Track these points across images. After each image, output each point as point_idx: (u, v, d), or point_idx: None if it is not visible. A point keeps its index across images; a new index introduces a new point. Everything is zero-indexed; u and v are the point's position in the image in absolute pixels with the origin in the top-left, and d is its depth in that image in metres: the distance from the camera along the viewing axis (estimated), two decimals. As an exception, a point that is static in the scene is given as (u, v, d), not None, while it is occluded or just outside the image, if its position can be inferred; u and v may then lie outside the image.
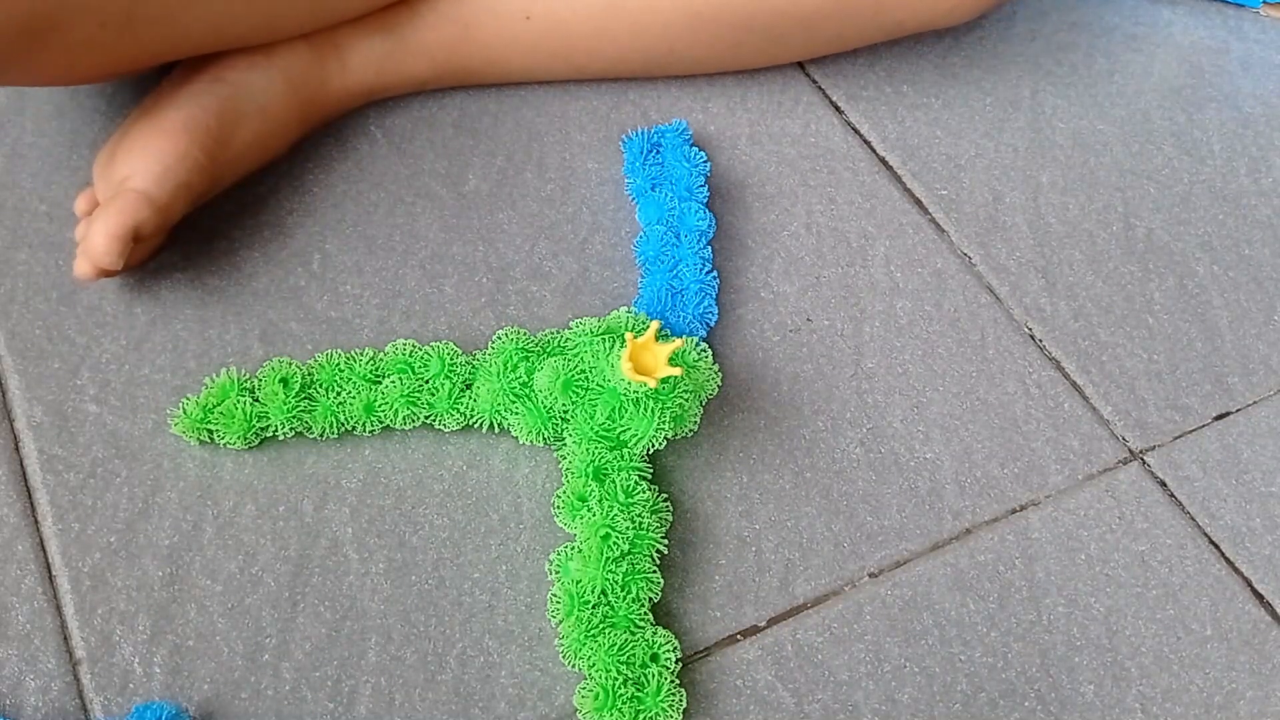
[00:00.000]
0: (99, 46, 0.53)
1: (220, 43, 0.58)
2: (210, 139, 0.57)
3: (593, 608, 0.49)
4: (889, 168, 0.67)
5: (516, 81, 0.68)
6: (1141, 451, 0.58)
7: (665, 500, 0.53)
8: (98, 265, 0.53)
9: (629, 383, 0.50)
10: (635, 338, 0.51)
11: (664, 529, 0.52)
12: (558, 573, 0.51)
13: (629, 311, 0.56)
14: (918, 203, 0.66)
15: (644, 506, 0.51)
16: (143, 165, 0.55)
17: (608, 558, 0.49)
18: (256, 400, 0.54)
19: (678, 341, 0.51)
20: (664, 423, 0.51)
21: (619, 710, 0.47)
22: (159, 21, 0.54)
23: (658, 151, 0.63)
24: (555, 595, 0.50)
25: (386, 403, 0.53)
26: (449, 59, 0.65)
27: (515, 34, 0.64)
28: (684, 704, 0.48)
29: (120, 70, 0.57)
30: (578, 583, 0.49)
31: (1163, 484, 0.57)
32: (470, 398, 0.54)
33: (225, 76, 0.58)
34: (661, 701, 0.47)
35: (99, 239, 0.52)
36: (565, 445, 0.53)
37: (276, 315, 0.58)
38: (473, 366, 0.55)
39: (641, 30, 0.64)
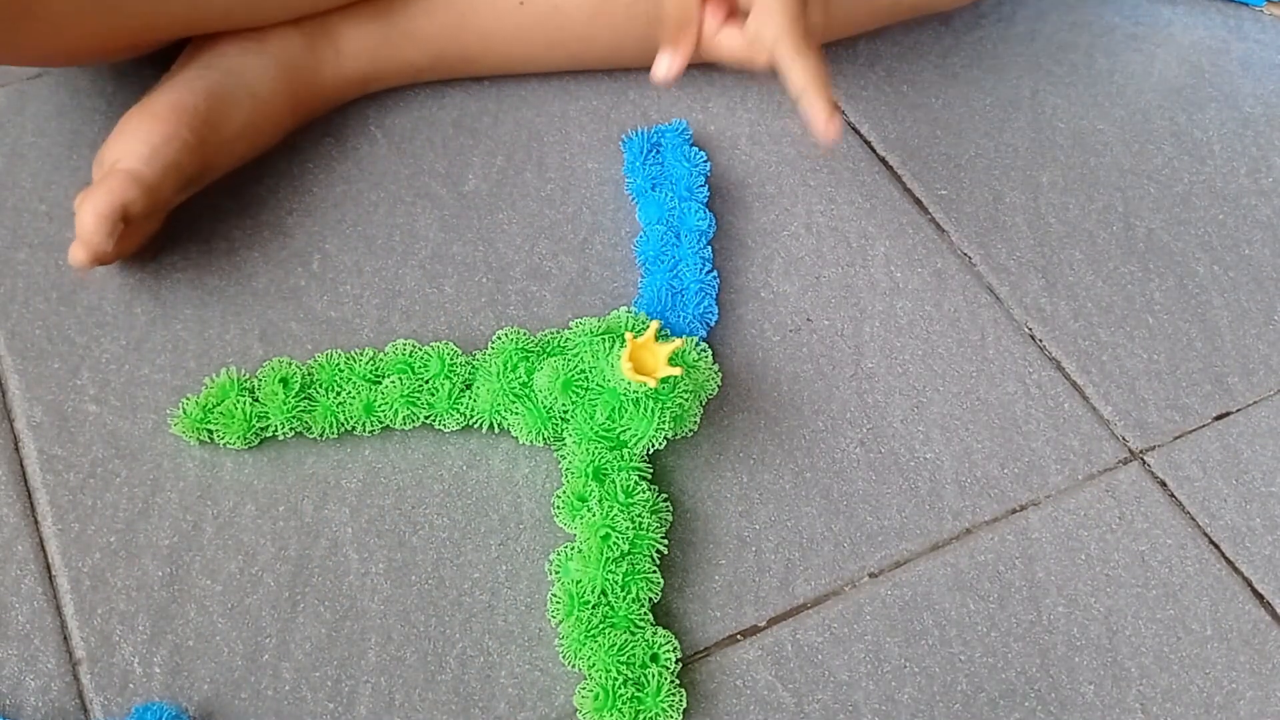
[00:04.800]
0: (83, 18, 0.53)
1: (205, 19, 0.58)
2: (199, 120, 0.57)
3: (593, 608, 0.49)
4: (889, 168, 0.67)
5: (512, 71, 0.68)
6: (1141, 451, 0.58)
7: (665, 500, 0.53)
8: (88, 245, 0.52)
9: (629, 383, 0.50)
10: (635, 338, 0.51)
11: (664, 529, 0.52)
12: (558, 573, 0.51)
13: (629, 311, 0.56)
14: (918, 203, 0.66)
15: (644, 506, 0.51)
16: (131, 147, 0.55)
17: (608, 558, 0.49)
18: (256, 400, 0.54)
19: (678, 341, 0.51)
20: (664, 423, 0.51)
21: (619, 710, 0.47)
22: None
23: (658, 151, 0.63)
24: (555, 595, 0.50)
25: (386, 403, 0.53)
26: (443, 46, 0.65)
27: (510, 20, 0.64)
28: (684, 704, 0.48)
29: (107, 49, 0.57)
30: (578, 583, 0.49)
31: (1163, 484, 0.57)
32: (470, 398, 0.54)
33: (216, 63, 0.59)
34: (661, 701, 0.47)
35: (88, 219, 0.52)
36: (565, 445, 0.53)
37: (276, 315, 0.58)
38: (473, 366, 0.55)
39: (636, 15, 0.64)
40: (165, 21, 0.58)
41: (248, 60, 0.59)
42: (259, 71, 0.60)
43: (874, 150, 0.68)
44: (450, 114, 0.67)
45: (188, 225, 0.60)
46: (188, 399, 0.54)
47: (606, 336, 0.53)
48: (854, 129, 0.69)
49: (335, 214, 0.62)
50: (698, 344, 0.56)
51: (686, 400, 0.53)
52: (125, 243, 0.55)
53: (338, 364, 0.55)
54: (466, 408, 0.54)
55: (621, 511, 0.50)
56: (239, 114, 0.59)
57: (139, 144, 0.55)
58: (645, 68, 0.69)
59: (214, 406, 0.53)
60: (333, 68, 0.63)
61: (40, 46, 0.54)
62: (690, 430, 0.54)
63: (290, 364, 0.55)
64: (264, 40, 0.60)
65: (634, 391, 0.51)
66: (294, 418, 0.53)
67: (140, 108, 0.57)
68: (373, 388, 0.54)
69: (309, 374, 0.54)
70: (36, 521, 0.52)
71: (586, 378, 0.52)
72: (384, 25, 0.63)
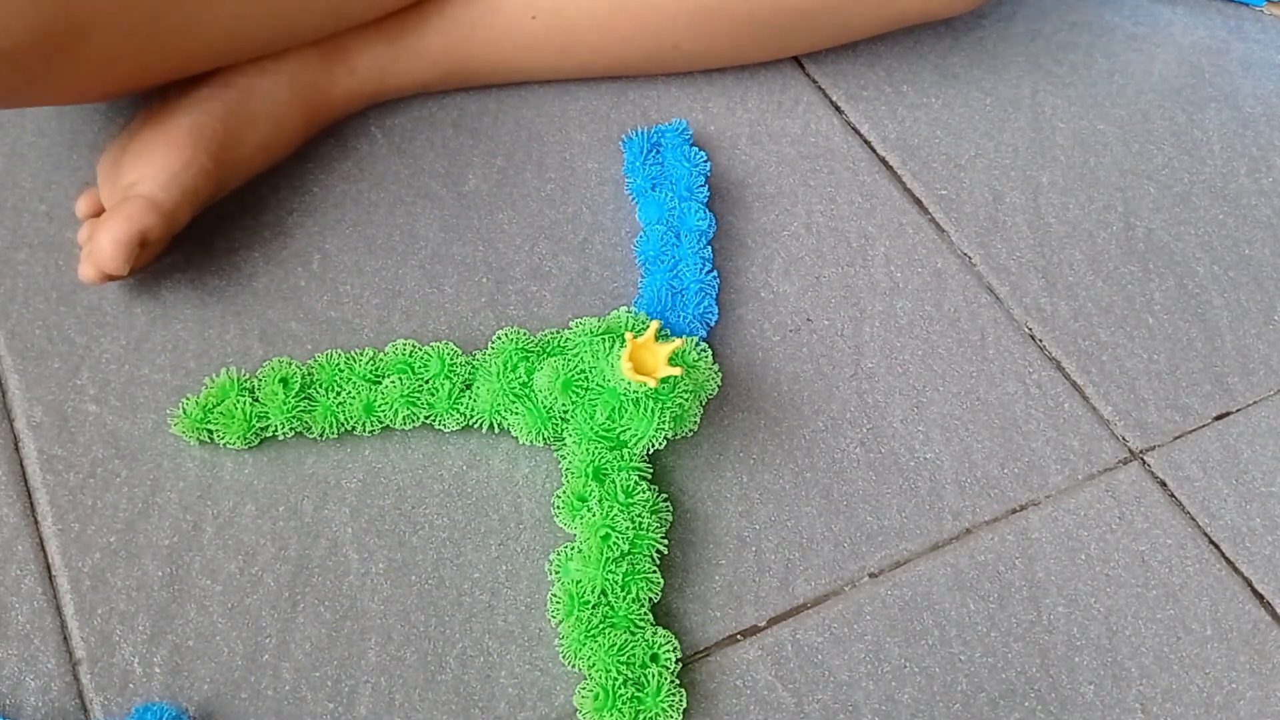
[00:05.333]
0: (125, 57, 0.53)
1: (238, 52, 0.58)
2: (217, 145, 0.57)
3: (593, 608, 0.49)
4: (889, 168, 0.67)
5: (521, 81, 0.68)
6: (1141, 451, 0.58)
7: (665, 500, 0.53)
8: (104, 271, 0.53)
9: (629, 383, 0.50)
10: (635, 338, 0.51)
11: (664, 529, 0.52)
12: (558, 573, 0.51)
13: (629, 311, 0.56)
14: (918, 203, 0.66)
15: (644, 506, 0.51)
16: (150, 172, 0.55)
17: (608, 558, 0.49)
18: (256, 400, 0.54)
19: (678, 341, 0.51)
20: (664, 423, 0.51)
21: (619, 710, 0.47)
22: (181, 30, 0.54)
23: (658, 151, 0.63)
24: (555, 595, 0.50)
25: (386, 403, 0.53)
26: (455, 61, 0.65)
27: (520, 33, 0.64)
28: (684, 704, 0.48)
29: (143, 83, 0.57)
30: (578, 583, 0.49)
31: (1163, 484, 0.57)
32: (470, 398, 0.54)
33: (233, 82, 0.59)
34: (661, 701, 0.47)
35: (106, 246, 0.52)
36: (565, 445, 0.53)
37: (276, 315, 0.58)
38: (473, 366, 0.55)
39: (645, 26, 0.64)
40: (202, 57, 0.57)
41: (264, 81, 0.59)
42: (274, 91, 0.59)
43: (874, 150, 0.68)
44: (450, 114, 0.67)
45: (188, 226, 0.60)
46: (188, 399, 0.54)
47: (606, 336, 0.53)
48: (854, 129, 0.69)
49: (335, 214, 0.62)
50: (698, 344, 0.56)
51: (686, 400, 0.53)
52: (137, 262, 0.55)
53: (338, 364, 0.55)
54: (466, 408, 0.54)
55: (621, 511, 0.50)
56: (255, 135, 0.59)
57: (157, 169, 0.55)
58: (652, 75, 0.69)
59: (214, 406, 0.53)
60: (346, 85, 0.63)
61: (81, 86, 0.54)
62: (690, 430, 0.54)
63: (290, 364, 0.55)
64: (279, 60, 0.60)
65: (634, 391, 0.51)
66: (294, 418, 0.53)
67: (158, 129, 0.57)
68: (373, 388, 0.54)
69: (309, 374, 0.54)
70: (36, 521, 0.52)
71: (586, 378, 0.52)
72: (396, 44, 0.63)
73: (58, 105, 0.64)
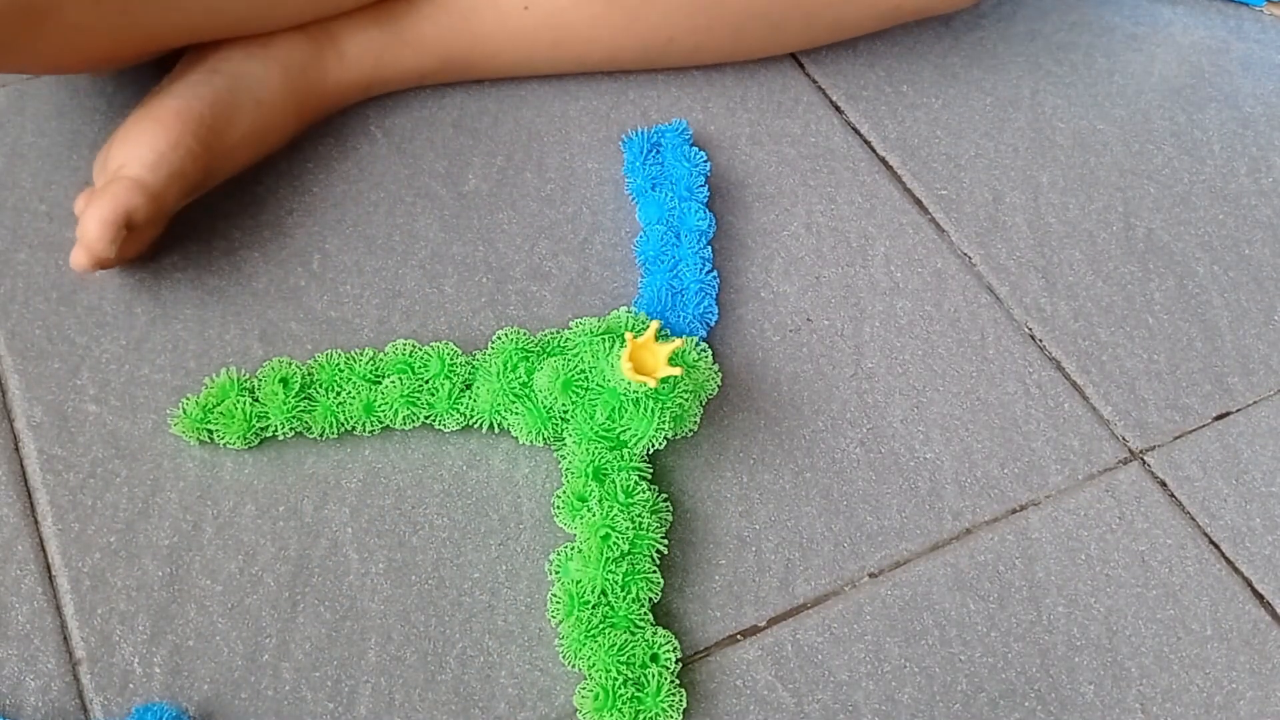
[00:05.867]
0: (96, 28, 0.54)
1: (218, 26, 0.58)
2: (204, 128, 0.57)
3: (593, 608, 0.49)
4: (889, 168, 0.67)
5: (516, 74, 0.68)
6: (1141, 451, 0.58)
7: (665, 500, 0.53)
8: (91, 251, 0.52)
9: (629, 383, 0.50)
10: (635, 338, 0.51)
11: (664, 529, 0.52)
12: (558, 573, 0.51)
13: (629, 311, 0.56)
14: (918, 203, 0.66)
15: (644, 506, 0.51)
16: (136, 153, 0.55)
17: (608, 558, 0.49)
18: (256, 400, 0.54)
19: (678, 341, 0.51)
20: (664, 423, 0.51)
21: (619, 710, 0.47)
22: (154, 1, 0.55)
23: (658, 151, 0.63)
24: (555, 595, 0.50)
25: (386, 403, 0.53)
26: (447, 51, 0.65)
27: (514, 24, 0.64)
28: (684, 704, 0.48)
29: (119, 56, 0.57)
30: (578, 583, 0.49)
31: (1163, 484, 0.57)
32: (470, 398, 0.54)
33: (221, 68, 0.59)
34: (661, 701, 0.47)
35: (92, 225, 0.52)
36: (565, 445, 0.53)
37: (276, 315, 0.58)
38: (473, 366, 0.55)
39: (640, 19, 0.64)
40: (178, 30, 0.58)
41: (252, 66, 0.59)
42: (264, 77, 0.59)
43: (874, 150, 0.68)
44: (450, 114, 0.67)
45: (188, 225, 0.60)
46: (188, 399, 0.54)
47: (606, 336, 0.53)
48: (854, 129, 0.69)
49: (335, 214, 0.62)
50: (698, 344, 0.56)
51: (686, 400, 0.53)
52: (127, 248, 0.55)
53: (338, 364, 0.55)
54: (466, 408, 0.54)
55: (621, 511, 0.50)
56: (244, 120, 0.59)
57: (144, 150, 0.55)
58: (647, 70, 0.69)
59: (214, 406, 0.53)
60: (337, 73, 0.63)
61: (53, 55, 0.54)
62: (690, 430, 0.54)
63: (290, 364, 0.55)
64: (269, 46, 0.60)
65: (634, 391, 0.51)
66: (294, 418, 0.53)
67: (145, 113, 0.57)
68: (373, 388, 0.54)
69: (309, 374, 0.54)
70: (36, 521, 0.52)
71: (586, 378, 0.52)
72: (387, 31, 0.63)
73: (32, 74, 0.64)
